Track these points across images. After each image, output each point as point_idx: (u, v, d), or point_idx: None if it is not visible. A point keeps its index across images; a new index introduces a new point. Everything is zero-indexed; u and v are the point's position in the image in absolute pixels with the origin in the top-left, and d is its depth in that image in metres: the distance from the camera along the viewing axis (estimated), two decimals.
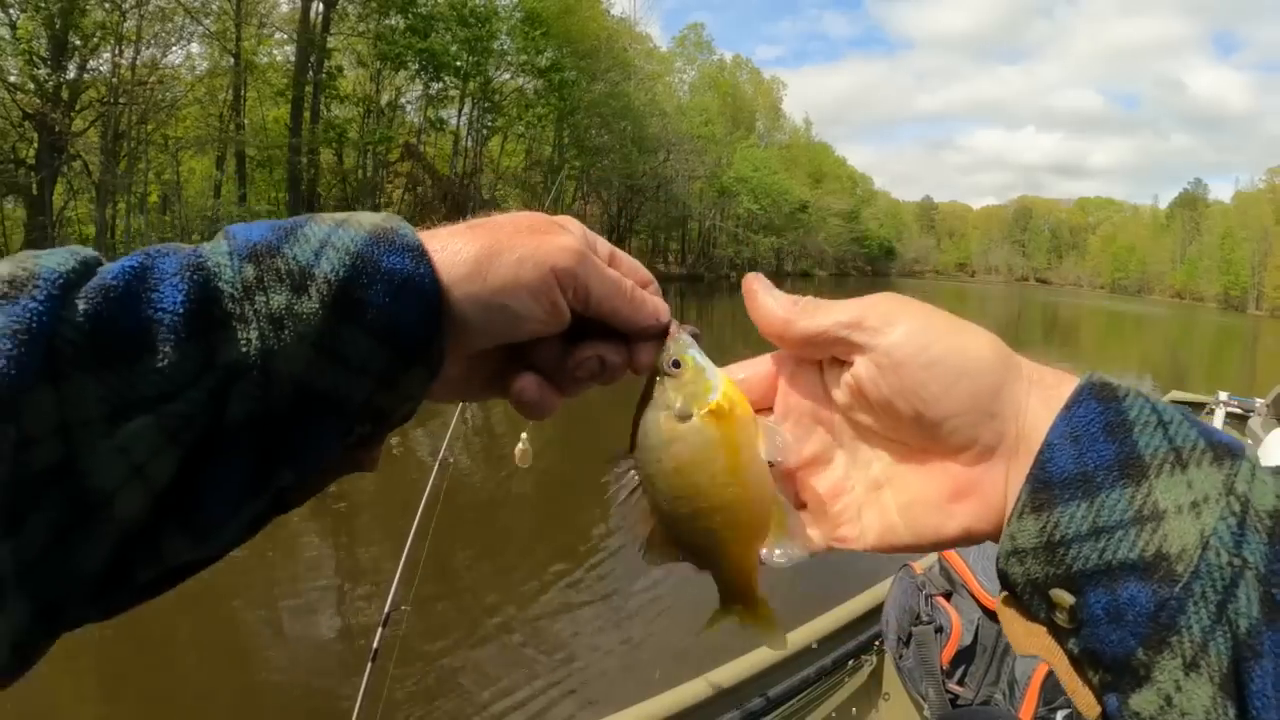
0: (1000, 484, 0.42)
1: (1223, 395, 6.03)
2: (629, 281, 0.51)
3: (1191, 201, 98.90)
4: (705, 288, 46.61)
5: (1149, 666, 0.34)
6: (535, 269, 0.45)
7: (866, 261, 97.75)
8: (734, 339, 24.86)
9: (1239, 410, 6.08)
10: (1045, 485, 0.38)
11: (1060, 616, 0.38)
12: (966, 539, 0.45)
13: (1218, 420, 5.74)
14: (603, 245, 0.53)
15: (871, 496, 0.49)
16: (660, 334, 0.53)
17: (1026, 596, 0.40)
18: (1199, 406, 6.19)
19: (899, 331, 0.43)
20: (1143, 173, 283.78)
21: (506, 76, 33.39)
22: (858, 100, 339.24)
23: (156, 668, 4.52)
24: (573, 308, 0.48)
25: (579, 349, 0.51)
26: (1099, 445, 0.37)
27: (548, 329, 0.48)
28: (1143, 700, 0.35)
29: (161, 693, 4.33)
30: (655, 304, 0.52)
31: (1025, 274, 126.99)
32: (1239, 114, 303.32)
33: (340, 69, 26.84)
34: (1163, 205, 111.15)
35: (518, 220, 0.48)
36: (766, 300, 0.49)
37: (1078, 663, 0.39)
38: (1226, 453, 0.36)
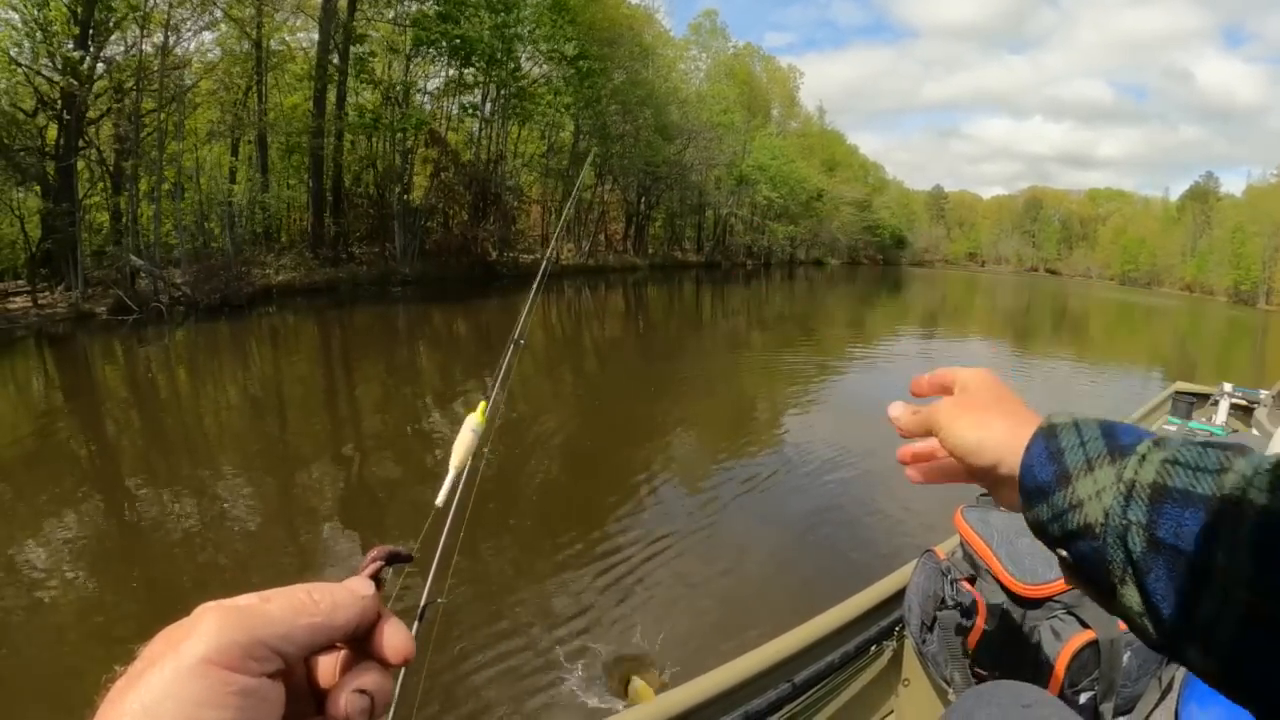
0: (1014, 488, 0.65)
1: (1227, 387, 6.04)
2: (299, 591, 0.44)
3: (1202, 194, 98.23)
4: (721, 275, 46.87)
5: (1108, 580, 0.55)
6: (188, 677, 0.37)
7: (878, 250, 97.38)
8: (749, 326, 25.20)
9: (1243, 402, 6.09)
10: (1025, 495, 0.62)
11: (1065, 559, 0.60)
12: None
13: (1222, 411, 5.79)
14: (246, 600, 0.42)
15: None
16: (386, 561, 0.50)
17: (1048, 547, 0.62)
18: (1204, 398, 6.22)
19: (954, 439, 0.70)
20: (1151, 164, 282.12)
21: (529, 65, 33.48)
22: (864, 89, 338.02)
23: None
24: (282, 672, 0.41)
25: (329, 709, 0.44)
26: (1045, 468, 0.60)
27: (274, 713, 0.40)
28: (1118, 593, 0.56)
29: None
30: (347, 590, 0.46)
31: (1035, 264, 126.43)
32: (1248, 107, 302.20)
33: (374, 54, 27.07)
34: (1173, 198, 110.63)
35: (151, 648, 0.39)
36: (903, 422, 0.77)
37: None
38: (1120, 453, 0.57)
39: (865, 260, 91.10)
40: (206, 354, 15.08)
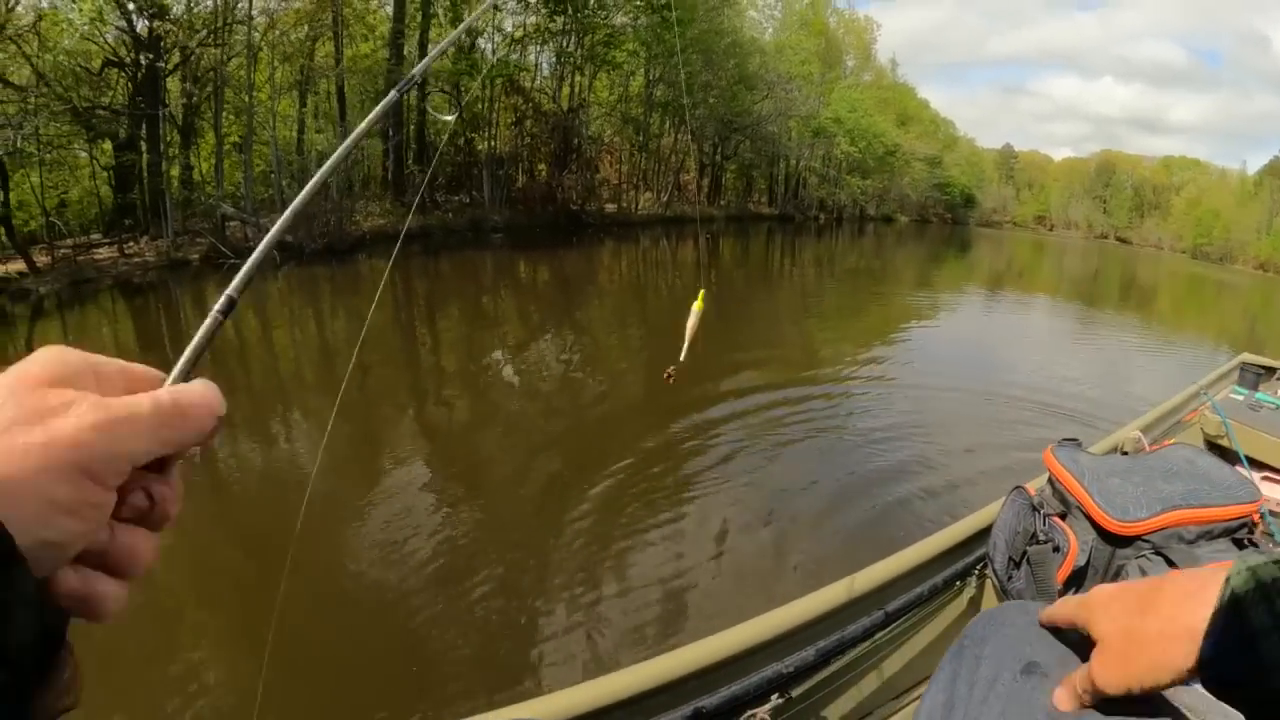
0: None
1: None
2: (163, 396, 0.40)
3: None
4: (794, 228, 46.84)
5: None
6: (55, 481, 0.34)
7: (947, 209, 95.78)
8: (820, 279, 25.60)
9: None
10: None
11: None
12: None
13: None
14: (105, 363, 0.41)
15: None
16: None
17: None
18: (1270, 370, 6.01)
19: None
20: (1225, 133, 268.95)
21: (614, 14, 33.21)
22: (928, 41, 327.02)
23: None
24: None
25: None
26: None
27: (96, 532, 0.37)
28: None
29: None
30: (201, 395, 0.43)
31: (1105, 231, 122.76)
32: None
33: None
34: (1251, 171, 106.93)
35: None
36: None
37: None
38: None
39: (934, 218, 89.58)
40: (314, 298, 15.31)
